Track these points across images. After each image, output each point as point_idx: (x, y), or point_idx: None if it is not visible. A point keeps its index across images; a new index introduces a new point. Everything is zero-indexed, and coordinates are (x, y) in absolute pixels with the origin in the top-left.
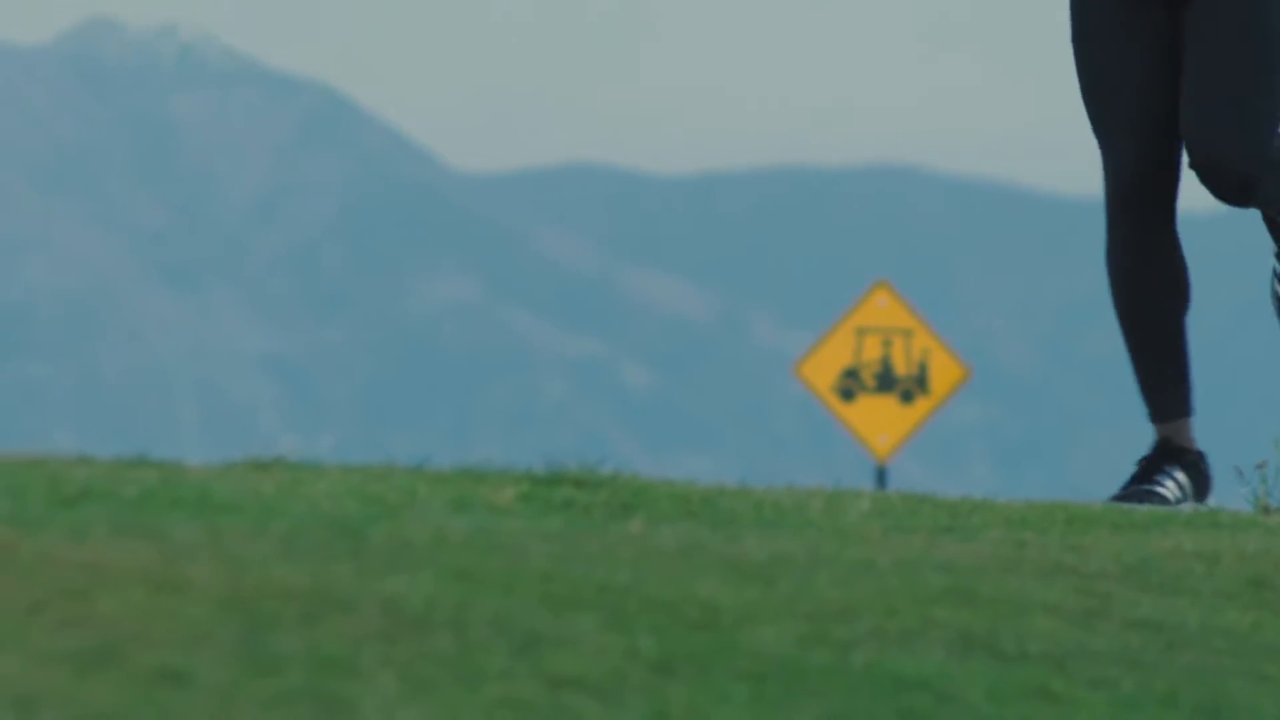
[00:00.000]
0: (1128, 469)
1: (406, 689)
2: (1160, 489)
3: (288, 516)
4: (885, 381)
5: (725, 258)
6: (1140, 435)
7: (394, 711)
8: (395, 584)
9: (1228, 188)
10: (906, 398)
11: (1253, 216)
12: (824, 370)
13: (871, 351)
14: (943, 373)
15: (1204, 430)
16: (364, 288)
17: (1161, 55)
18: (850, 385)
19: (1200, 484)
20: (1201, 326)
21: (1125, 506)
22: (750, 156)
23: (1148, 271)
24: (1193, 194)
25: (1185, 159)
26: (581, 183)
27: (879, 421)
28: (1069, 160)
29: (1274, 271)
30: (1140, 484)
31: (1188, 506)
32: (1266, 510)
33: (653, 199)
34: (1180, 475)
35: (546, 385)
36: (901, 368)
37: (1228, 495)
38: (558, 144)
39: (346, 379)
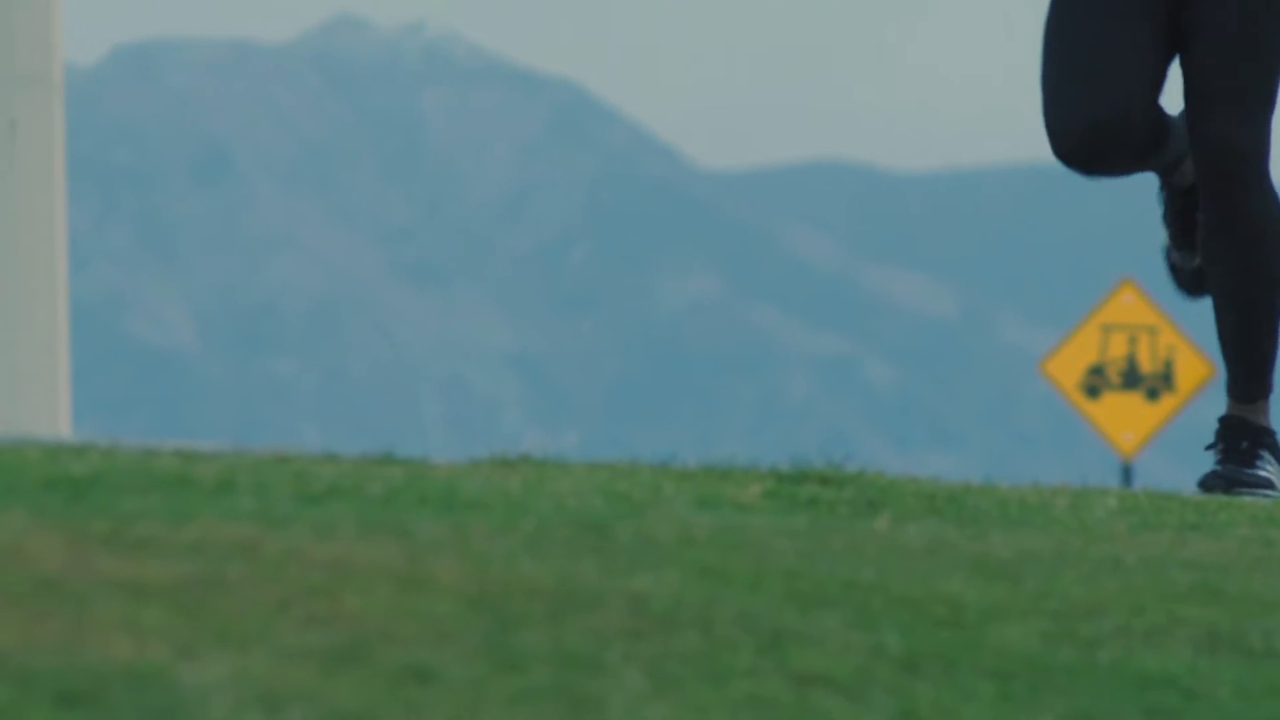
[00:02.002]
0: None
1: (652, 686)
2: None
3: (533, 514)
4: (1131, 379)
5: (971, 255)
6: None
7: (640, 709)
8: (641, 581)
9: (1228, 178)
10: (1152, 395)
11: None
12: (1069, 368)
13: (1117, 349)
14: (1188, 370)
15: None
16: (609, 285)
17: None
18: (1096, 383)
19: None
20: None
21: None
22: (996, 153)
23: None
24: None
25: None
26: (827, 180)
27: (1124, 419)
28: None
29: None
30: (1238, 465)
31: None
32: None
33: (898, 196)
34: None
35: (791, 382)
36: (1147, 365)
37: None
38: (803, 141)
39: (591, 376)
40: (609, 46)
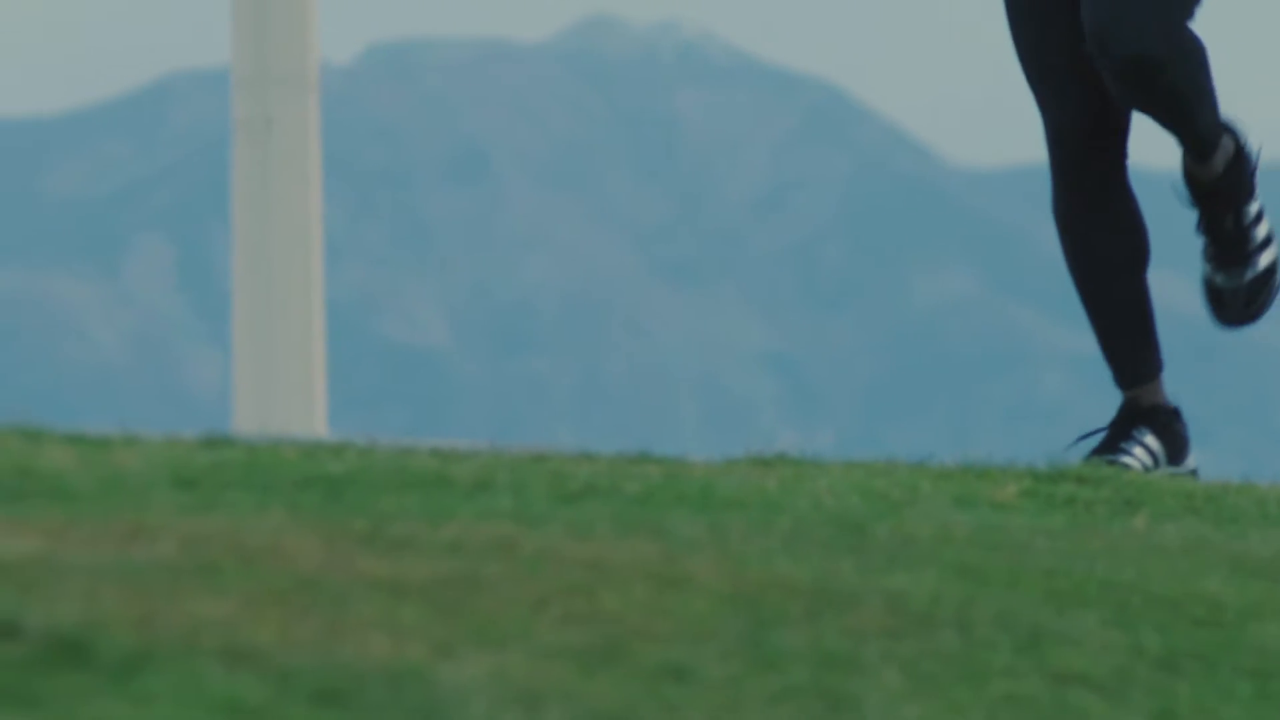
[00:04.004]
0: None
1: (910, 685)
2: (1126, 458)
3: (790, 512)
4: None
5: None
6: None
7: (897, 708)
8: (899, 580)
9: (1125, 65)
10: None
11: None
12: None
13: None
14: None
15: None
16: (864, 283)
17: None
18: None
19: (1174, 445)
20: None
21: None
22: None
23: (1101, 230)
24: None
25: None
26: None
27: None
28: None
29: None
30: (1104, 453)
31: (1161, 472)
32: None
33: (1152, 192)
34: (1150, 439)
35: (1048, 381)
36: None
37: None
38: None
39: (847, 374)
40: (864, 45)
